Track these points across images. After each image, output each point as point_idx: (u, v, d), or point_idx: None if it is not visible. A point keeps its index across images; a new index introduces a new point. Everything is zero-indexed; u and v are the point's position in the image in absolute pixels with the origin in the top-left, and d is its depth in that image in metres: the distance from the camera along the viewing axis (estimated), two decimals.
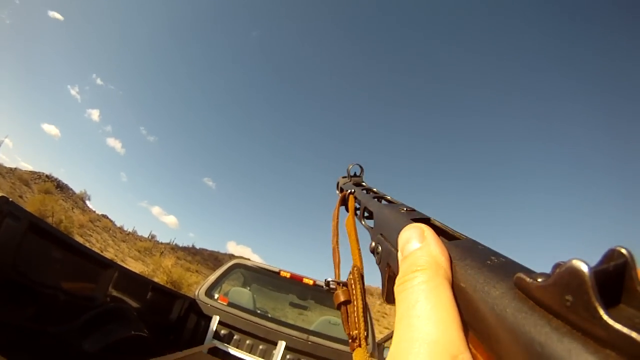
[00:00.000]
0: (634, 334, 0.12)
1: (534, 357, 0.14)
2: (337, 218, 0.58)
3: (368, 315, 0.41)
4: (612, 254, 0.15)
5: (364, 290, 0.43)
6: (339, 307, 0.44)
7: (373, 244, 0.40)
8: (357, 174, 0.67)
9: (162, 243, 21.54)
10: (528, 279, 0.17)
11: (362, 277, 0.44)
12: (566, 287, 0.14)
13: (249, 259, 3.76)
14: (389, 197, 0.48)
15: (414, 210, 0.37)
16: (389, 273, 0.34)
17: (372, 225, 0.45)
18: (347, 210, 0.58)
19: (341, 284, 0.45)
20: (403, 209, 0.37)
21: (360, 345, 0.39)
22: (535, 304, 0.16)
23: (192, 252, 22.92)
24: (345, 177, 0.68)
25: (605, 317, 0.13)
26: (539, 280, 0.16)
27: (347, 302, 0.43)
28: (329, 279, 0.46)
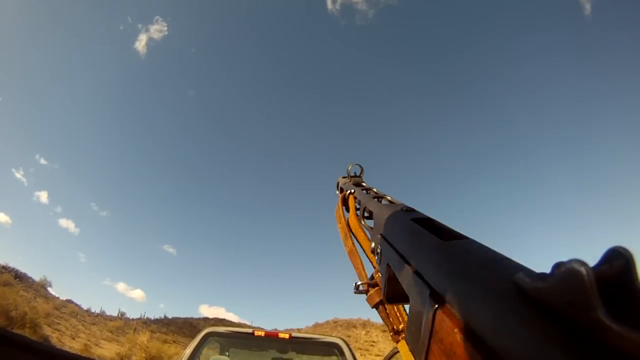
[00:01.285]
0: (634, 334, 0.12)
1: (534, 357, 0.14)
2: (344, 219, 0.57)
3: None
4: (612, 254, 0.15)
5: None
6: (376, 307, 0.43)
7: (373, 244, 0.40)
8: (357, 174, 0.68)
9: (133, 319, 20.40)
10: (528, 279, 0.17)
11: None
12: (566, 287, 0.14)
13: (224, 319, 3.40)
14: (389, 197, 0.48)
15: (414, 210, 0.37)
16: (389, 274, 0.34)
17: (372, 226, 0.44)
18: (347, 210, 0.58)
19: (372, 285, 0.44)
20: (403, 209, 0.38)
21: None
22: (536, 304, 0.16)
23: (166, 323, 21.71)
24: (345, 177, 0.69)
25: (605, 317, 0.13)
26: (539, 280, 0.16)
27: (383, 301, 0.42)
28: (358, 282, 0.45)
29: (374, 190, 0.55)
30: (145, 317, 21.44)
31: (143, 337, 14.52)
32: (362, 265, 0.50)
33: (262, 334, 3.08)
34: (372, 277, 0.45)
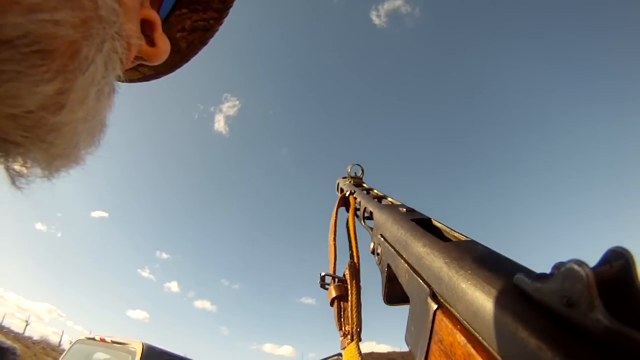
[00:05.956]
0: (633, 334, 0.12)
1: (534, 357, 0.14)
2: (336, 217, 0.60)
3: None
4: (612, 254, 0.15)
5: (359, 286, 0.43)
6: (332, 303, 0.44)
7: (373, 244, 0.40)
8: (358, 174, 0.68)
9: None
10: (528, 279, 0.17)
11: (358, 272, 0.45)
12: (566, 287, 0.15)
13: None
14: (389, 198, 0.49)
15: (414, 210, 0.38)
16: (389, 274, 0.34)
17: (372, 226, 0.45)
18: (347, 210, 0.59)
19: (336, 279, 0.46)
20: (403, 210, 0.38)
21: (352, 340, 0.39)
22: (535, 304, 0.16)
23: None
24: (345, 177, 0.69)
25: (605, 316, 0.13)
26: (539, 280, 0.16)
27: (341, 297, 0.43)
28: (324, 273, 0.46)
29: (375, 190, 0.56)
30: None
31: None
32: (335, 261, 0.51)
33: None
34: (343, 275, 0.46)
